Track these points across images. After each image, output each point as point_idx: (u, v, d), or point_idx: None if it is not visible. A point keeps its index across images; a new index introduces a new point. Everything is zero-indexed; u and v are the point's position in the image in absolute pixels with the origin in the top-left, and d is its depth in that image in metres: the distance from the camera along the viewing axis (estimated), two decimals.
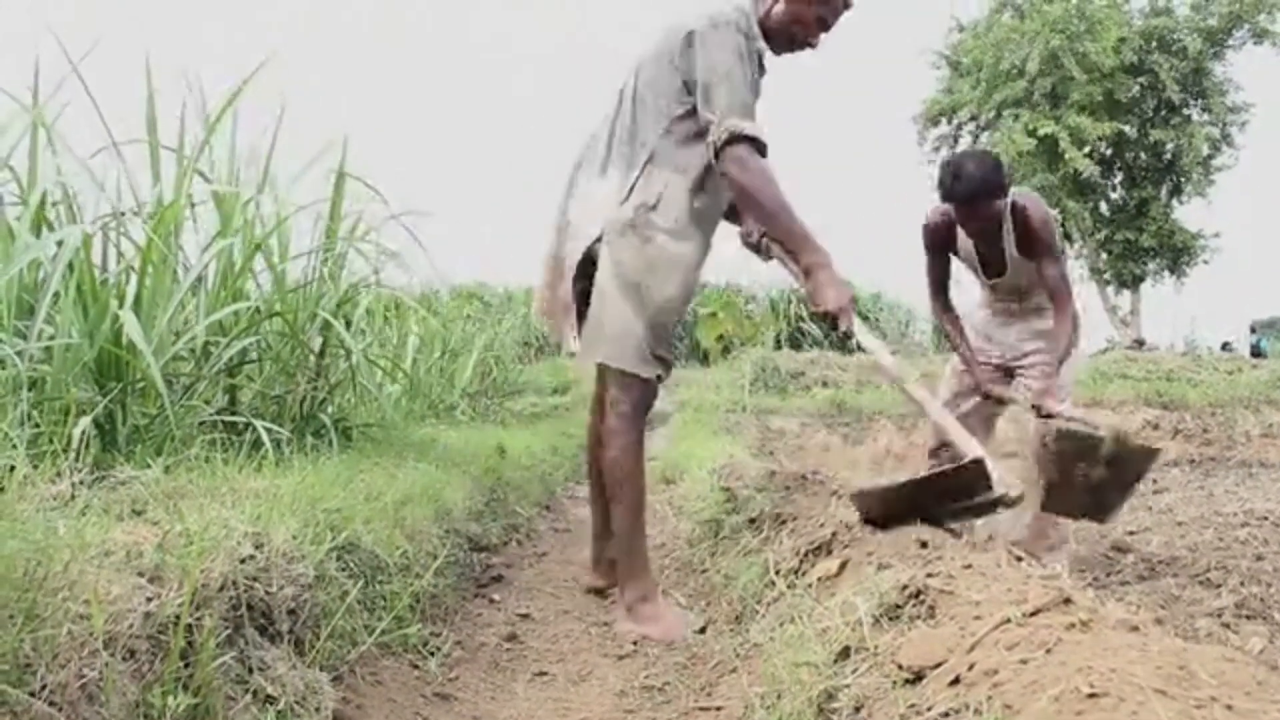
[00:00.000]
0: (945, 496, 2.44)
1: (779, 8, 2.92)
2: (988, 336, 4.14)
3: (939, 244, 3.97)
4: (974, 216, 3.67)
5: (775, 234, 2.91)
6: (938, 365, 5.95)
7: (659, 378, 2.94)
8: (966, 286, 4.23)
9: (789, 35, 2.98)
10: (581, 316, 2.95)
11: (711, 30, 2.76)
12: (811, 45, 3.02)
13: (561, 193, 3.12)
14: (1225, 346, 22.41)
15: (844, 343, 3.40)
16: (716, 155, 2.72)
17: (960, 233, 3.85)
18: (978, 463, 2.36)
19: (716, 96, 2.71)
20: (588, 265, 2.89)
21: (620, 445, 2.91)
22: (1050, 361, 3.76)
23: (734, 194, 2.81)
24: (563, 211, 3.07)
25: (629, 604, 2.95)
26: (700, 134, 2.79)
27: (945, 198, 3.68)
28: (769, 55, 2.97)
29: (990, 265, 3.94)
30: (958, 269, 4.12)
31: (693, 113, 2.82)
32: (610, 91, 3.09)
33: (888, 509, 2.45)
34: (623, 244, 2.84)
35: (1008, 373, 4.06)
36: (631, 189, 2.85)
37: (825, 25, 3.01)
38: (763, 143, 2.71)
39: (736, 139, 2.68)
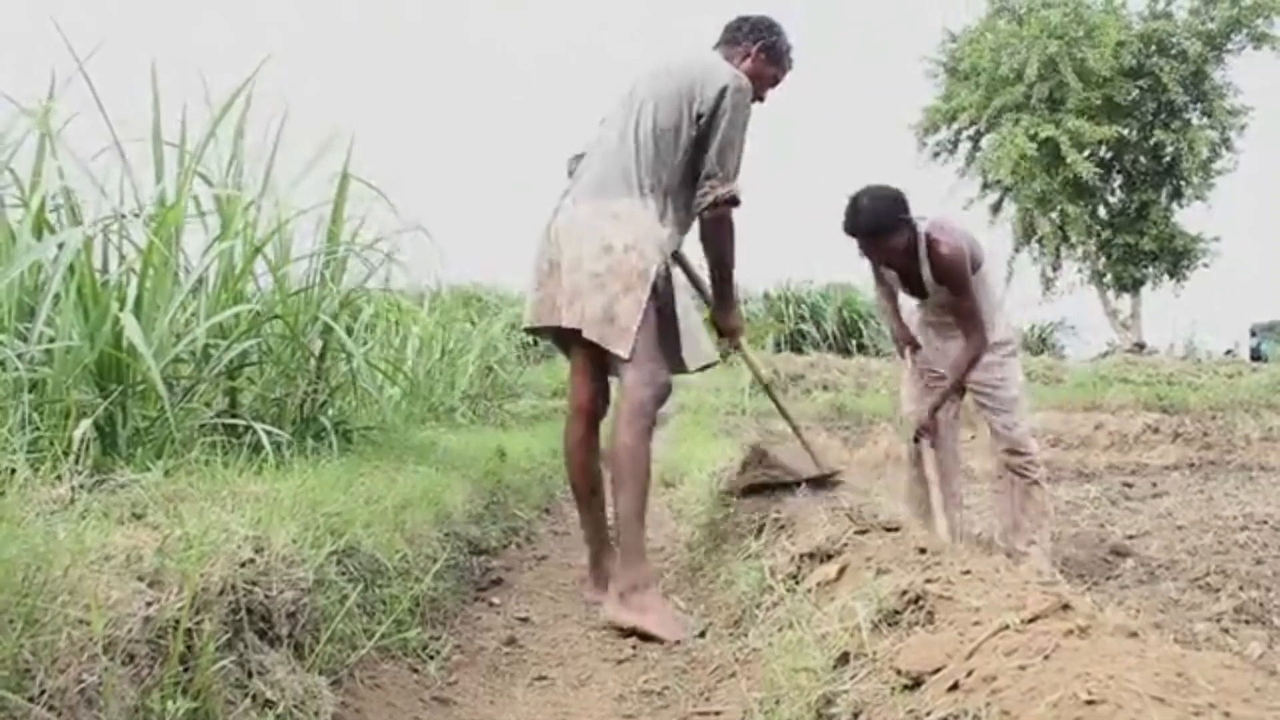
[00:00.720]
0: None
1: (745, 65, 3.38)
2: (935, 349, 4.29)
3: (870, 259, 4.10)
4: (873, 249, 3.87)
5: (722, 270, 3.43)
6: None
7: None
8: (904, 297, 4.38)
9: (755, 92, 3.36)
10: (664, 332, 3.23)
11: (741, 97, 3.20)
12: (761, 100, 3.47)
13: (557, 201, 3.37)
14: (1229, 354, 22.40)
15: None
16: (713, 204, 3.20)
17: None
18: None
19: (729, 161, 3.20)
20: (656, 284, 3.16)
21: (638, 433, 3.14)
22: (944, 388, 4.06)
23: (710, 237, 3.31)
24: (559, 219, 3.31)
25: (620, 591, 3.02)
26: (694, 176, 3.24)
27: (845, 231, 3.83)
28: None
29: (911, 287, 4.10)
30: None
31: (697, 155, 3.23)
32: (608, 101, 3.42)
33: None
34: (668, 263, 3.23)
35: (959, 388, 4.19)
36: (663, 214, 3.23)
37: (776, 82, 3.53)
38: (740, 199, 3.24)
39: (735, 202, 3.22)
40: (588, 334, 3.12)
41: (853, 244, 3.91)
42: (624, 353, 3.09)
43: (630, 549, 3.05)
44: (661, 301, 3.18)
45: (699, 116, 3.20)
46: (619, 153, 3.26)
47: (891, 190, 3.83)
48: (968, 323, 3.89)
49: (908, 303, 4.35)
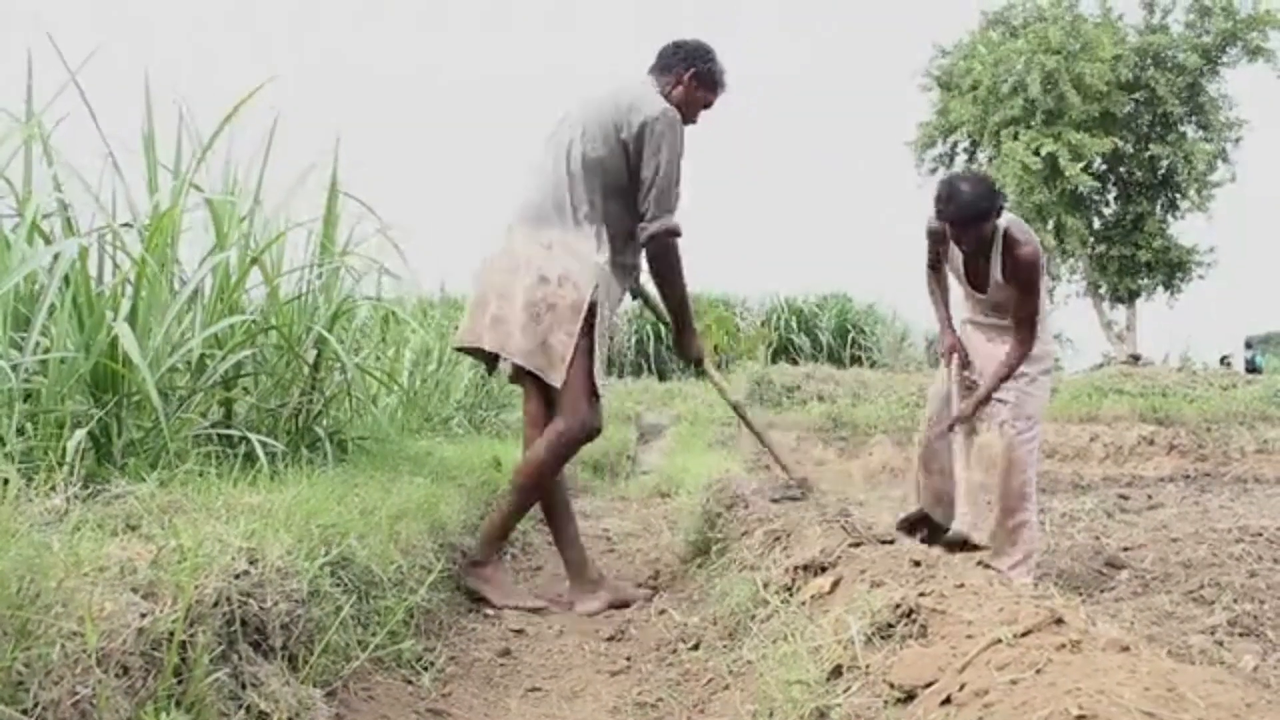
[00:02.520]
0: None
1: (678, 91, 3.50)
2: (974, 348, 4.21)
3: (934, 242, 4.12)
4: (965, 237, 3.80)
5: (674, 300, 3.66)
6: (930, 377, 5.97)
7: None
8: (951, 289, 4.35)
9: (687, 118, 3.51)
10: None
11: (668, 129, 3.34)
12: (694, 122, 3.59)
13: (506, 228, 3.53)
14: (1223, 361, 22.47)
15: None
16: (652, 238, 3.40)
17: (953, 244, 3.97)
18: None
19: (664, 196, 3.35)
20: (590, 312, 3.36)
21: (555, 457, 3.44)
22: (989, 385, 4.00)
23: (658, 266, 3.54)
24: (495, 247, 3.52)
25: (472, 561, 3.44)
26: (631, 206, 3.42)
27: (939, 216, 3.80)
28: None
29: (974, 279, 4.05)
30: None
31: (633, 187, 3.40)
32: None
33: None
34: (606, 290, 3.42)
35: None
36: (599, 243, 3.40)
37: (708, 105, 3.63)
38: (680, 231, 3.43)
39: (673, 234, 3.41)
40: (524, 364, 3.34)
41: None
42: (557, 382, 3.32)
43: (489, 531, 3.48)
44: (600, 331, 3.38)
45: (626, 145, 3.35)
46: (553, 180, 3.43)
47: (988, 178, 3.89)
48: (1024, 326, 3.90)
49: (953, 299, 4.32)
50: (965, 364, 4.19)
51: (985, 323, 4.16)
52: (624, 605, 3.44)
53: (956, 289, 4.26)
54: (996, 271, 3.90)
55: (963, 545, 3.44)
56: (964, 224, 3.75)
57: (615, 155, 3.36)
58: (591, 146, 3.37)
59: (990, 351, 4.10)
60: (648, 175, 3.33)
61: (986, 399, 3.98)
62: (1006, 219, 3.84)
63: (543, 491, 3.52)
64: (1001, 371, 3.95)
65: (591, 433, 3.45)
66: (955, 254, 4.03)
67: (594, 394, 3.39)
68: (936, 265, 4.23)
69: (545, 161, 3.48)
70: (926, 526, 3.61)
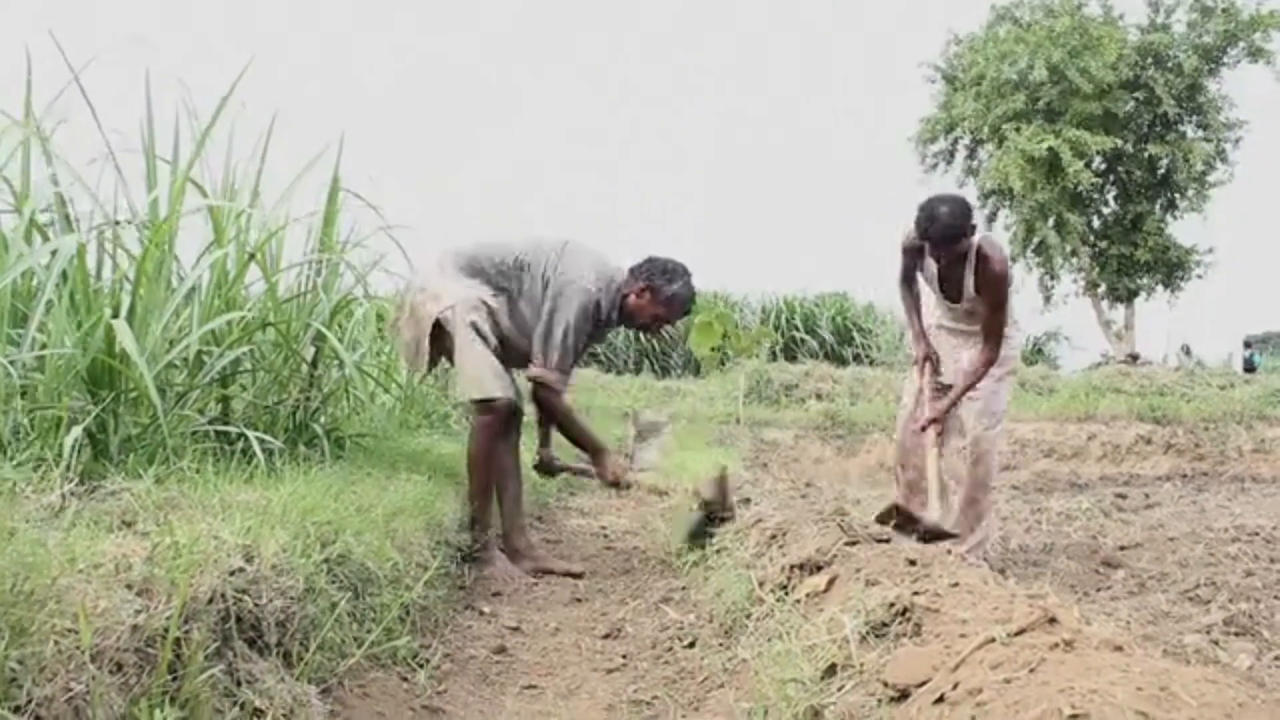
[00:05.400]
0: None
1: (630, 299, 3.98)
2: (945, 353, 4.51)
3: (910, 257, 4.44)
4: (943, 253, 4.11)
5: (569, 435, 4.10)
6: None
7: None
8: (925, 295, 4.59)
9: (632, 315, 4.00)
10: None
11: (575, 295, 3.81)
12: (651, 331, 4.23)
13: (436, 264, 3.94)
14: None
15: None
16: (530, 379, 3.90)
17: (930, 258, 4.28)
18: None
19: (547, 346, 3.83)
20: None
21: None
22: (960, 387, 4.31)
23: (539, 405, 4.06)
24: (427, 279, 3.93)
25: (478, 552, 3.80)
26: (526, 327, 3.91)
27: (921, 236, 4.08)
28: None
29: (949, 290, 4.34)
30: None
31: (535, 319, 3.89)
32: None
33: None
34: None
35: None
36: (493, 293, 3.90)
37: (659, 320, 4.05)
38: (557, 388, 3.88)
39: (543, 385, 3.87)
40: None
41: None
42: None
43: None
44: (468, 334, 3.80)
45: (547, 283, 3.85)
46: (499, 250, 3.93)
47: (963, 199, 4.11)
48: (991, 337, 4.19)
49: (926, 305, 4.58)
50: (936, 369, 4.52)
51: (955, 328, 4.46)
52: (547, 573, 3.89)
53: (930, 296, 4.52)
54: (970, 284, 4.20)
55: (938, 535, 3.65)
56: (943, 242, 4.02)
57: (536, 282, 3.86)
58: (532, 261, 3.88)
59: (959, 355, 4.41)
60: (542, 320, 3.83)
61: (956, 402, 4.31)
62: (980, 235, 4.14)
63: (490, 469, 3.91)
64: (970, 378, 4.28)
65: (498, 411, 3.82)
66: (931, 266, 4.30)
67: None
68: (910, 279, 4.52)
69: (505, 240, 3.97)
70: (901, 516, 3.72)
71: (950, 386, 4.37)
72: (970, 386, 4.25)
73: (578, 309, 3.81)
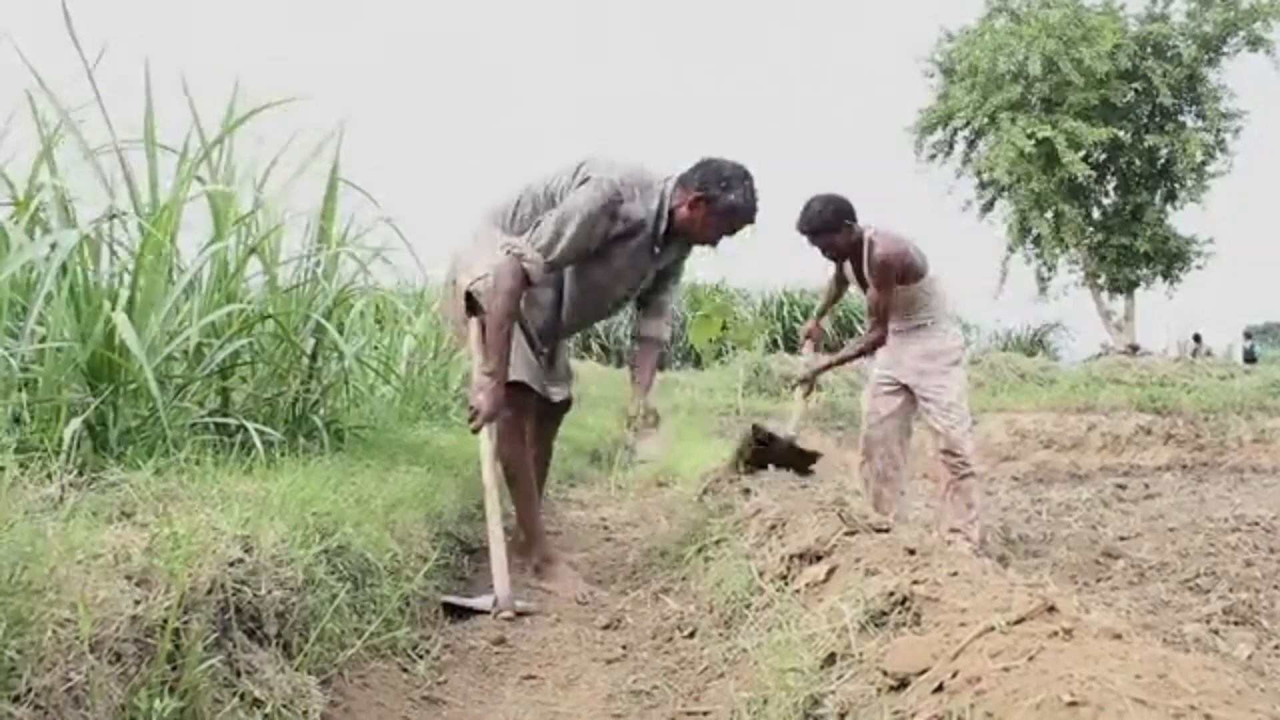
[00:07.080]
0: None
1: (682, 210, 3.45)
2: (890, 350, 4.81)
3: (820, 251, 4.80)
4: (820, 245, 4.51)
5: (485, 336, 3.42)
6: None
7: None
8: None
9: (687, 231, 3.51)
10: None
11: (586, 186, 3.34)
12: (710, 243, 3.58)
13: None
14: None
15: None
16: (503, 247, 3.36)
17: None
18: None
19: (540, 229, 3.35)
20: None
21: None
22: (845, 354, 5.11)
23: None
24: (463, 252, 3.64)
25: (535, 565, 3.60)
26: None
27: (796, 229, 4.47)
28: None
29: (861, 283, 4.72)
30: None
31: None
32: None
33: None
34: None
35: (909, 392, 4.77)
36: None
37: (717, 231, 3.51)
38: (520, 271, 3.29)
39: (514, 255, 3.30)
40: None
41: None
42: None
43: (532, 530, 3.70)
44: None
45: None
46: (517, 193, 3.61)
47: (839, 198, 4.47)
48: (872, 314, 4.60)
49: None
50: (817, 346, 5.27)
51: (893, 328, 4.74)
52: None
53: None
54: (866, 272, 4.56)
55: (801, 455, 4.49)
56: (813, 234, 4.44)
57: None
58: (562, 187, 3.46)
59: (900, 353, 4.74)
60: (555, 209, 3.39)
61: (834, 365, 5.25)
62: (872, 231, 4.49)
63: (527, 473, 3.70)
64: (854, 349, 4.97)
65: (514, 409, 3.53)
66: (848, 266, 4.71)
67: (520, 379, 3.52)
68: (839, 278, 5.00)
69: (539, 177, 3.58)
70: (761, 434, 4.46)
71: (896, 381, 4.75)
72: (856, 356, 5.00)
73: (587, 199, 3.31)
